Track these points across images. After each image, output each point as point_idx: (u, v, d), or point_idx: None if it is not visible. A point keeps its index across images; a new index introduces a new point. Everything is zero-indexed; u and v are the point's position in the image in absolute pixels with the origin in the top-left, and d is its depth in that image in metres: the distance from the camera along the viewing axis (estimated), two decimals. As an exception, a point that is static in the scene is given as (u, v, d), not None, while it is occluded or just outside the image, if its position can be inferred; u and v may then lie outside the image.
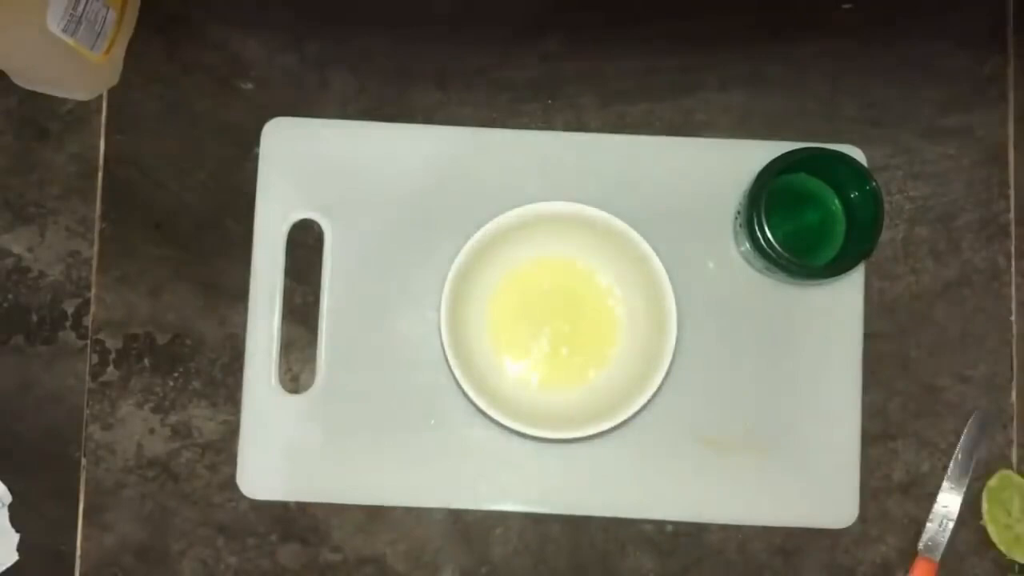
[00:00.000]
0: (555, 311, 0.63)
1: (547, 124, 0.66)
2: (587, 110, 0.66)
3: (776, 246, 0.58)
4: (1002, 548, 0.63)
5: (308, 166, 0.64)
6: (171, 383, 0.64)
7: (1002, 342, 0.65)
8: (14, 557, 0.63)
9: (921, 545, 0.63)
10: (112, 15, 0.62)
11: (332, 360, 0.64)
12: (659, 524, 0.63)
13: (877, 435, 0.64)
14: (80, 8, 0.59)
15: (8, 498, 0.63)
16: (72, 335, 0.64)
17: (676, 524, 0.63)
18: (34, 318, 0.64)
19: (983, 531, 0.63)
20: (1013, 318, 0.65)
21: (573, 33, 0.66)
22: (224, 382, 0.64)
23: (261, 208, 0.64)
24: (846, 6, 0.66)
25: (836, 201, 0.61)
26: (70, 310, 0.64)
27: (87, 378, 0.64)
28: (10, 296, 0.65)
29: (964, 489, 0.63)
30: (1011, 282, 0.65)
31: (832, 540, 0.63)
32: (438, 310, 0.60)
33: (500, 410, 0.59)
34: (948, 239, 0.65)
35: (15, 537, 0.63)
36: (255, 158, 0.65)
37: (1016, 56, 0.66)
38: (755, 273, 0.64)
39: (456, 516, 0.64)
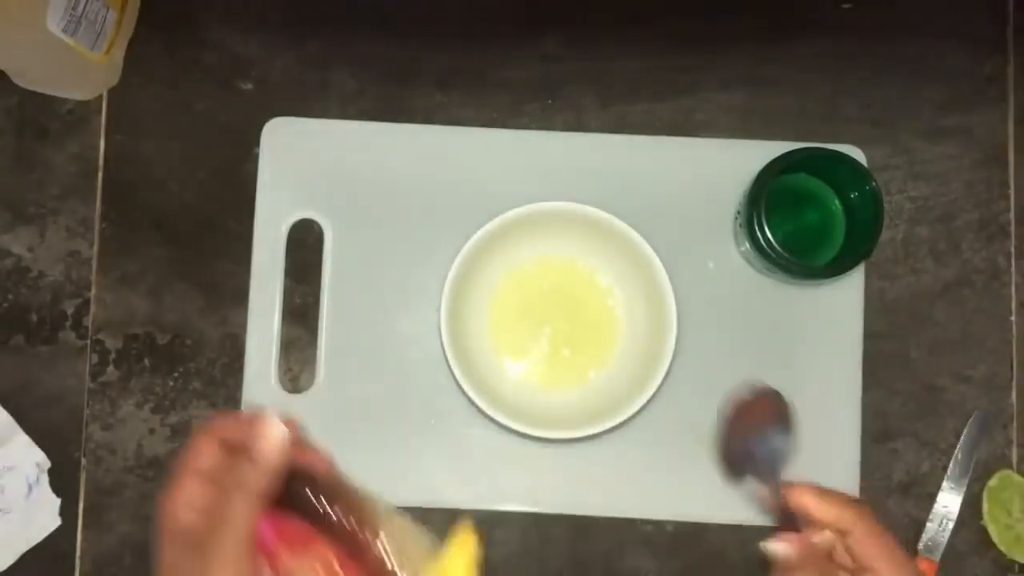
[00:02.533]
0: (555, 311, 0.63)
1: (547, 124, 0.65)
2: (587, 110, 0.66)
3: (776, 246, 0.58)
4: (1002, 548, 0.63)
5: (308, 166, 0.64)
6: (171, 383, 0.64)
7: (1002, 342, 0.65)
8: (57, 522, 0.63)
9: (921, 545, 0.63)
10: (112, 15, 0.62)
11: (332, 360, 0.64)
12: (659, 524, 0.63)
13: (877, 435, 0.64)
14: (80, 8, 0.59)
15: (47, 464, 0.63)
16: (72, 335, 0.64)
17: (676, 524, 0.63)
18: (34, 318, 0.64)
19: (983, 531, 0.63)
20: (1013, 318, 0.65)
21: (573, 33, 0.66)
22: (224, 382, 0.64)
23: (261, 208, 0.64)
24: (846, 6, 0.66)
25: (836, 201, 0.61)
26: (70, 310, 0.64)
27: (87, 378, 0.64)
28: (10, 296, 0.65)
29: (964, 489, 0.63)
30: (1011, 282, 0.65)
31: (832, 540, 0.63)
32: (438, 310, 0.60)
33: (500, 410, 0.59)
34: (948, 239, 0.65)
35: (56, 502, 0.63)
36: (255, 158, 0.65)
37: (1016, 56, 0.66)
38: (755, 273, 0.64)
39: (456, 516, 0.64)
